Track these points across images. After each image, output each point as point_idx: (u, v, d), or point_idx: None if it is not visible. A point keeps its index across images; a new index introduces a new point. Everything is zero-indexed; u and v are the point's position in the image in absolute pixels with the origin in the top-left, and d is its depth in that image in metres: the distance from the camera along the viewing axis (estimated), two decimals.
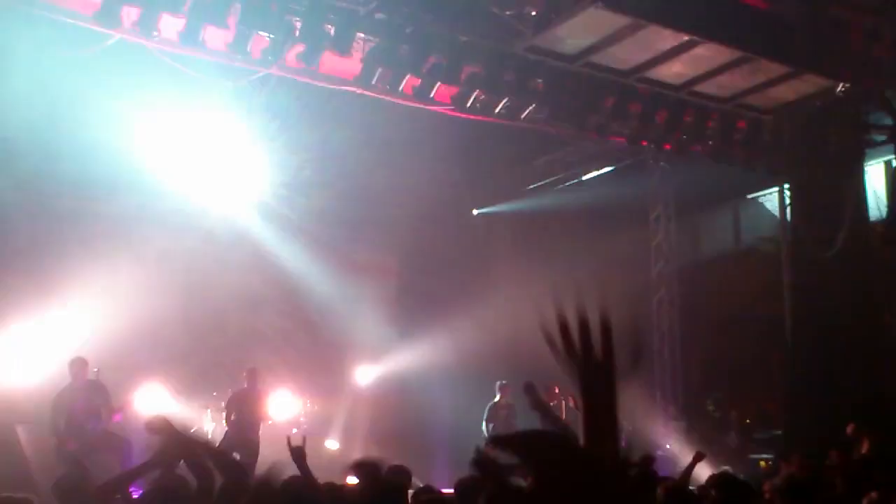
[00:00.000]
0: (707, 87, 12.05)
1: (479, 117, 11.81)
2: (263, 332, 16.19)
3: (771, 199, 15.36)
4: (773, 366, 15.15)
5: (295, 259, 16.63)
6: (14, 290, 13.97)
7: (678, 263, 16.28)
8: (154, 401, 13.03)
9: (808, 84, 11.90)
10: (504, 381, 13.38)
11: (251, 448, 11.53)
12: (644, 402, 15.58)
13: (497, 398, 13.30)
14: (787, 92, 12.15)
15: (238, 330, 15.82)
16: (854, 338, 12.85)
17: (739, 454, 13.87)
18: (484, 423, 13.11)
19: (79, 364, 10.82)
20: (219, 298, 15.83)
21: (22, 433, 12.50)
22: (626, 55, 11.20)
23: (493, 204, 18.55)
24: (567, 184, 17.21)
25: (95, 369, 10.91)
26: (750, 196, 16.13)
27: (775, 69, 11.73)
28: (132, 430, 10.69)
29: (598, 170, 16.61)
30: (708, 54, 11.20)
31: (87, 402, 10.49)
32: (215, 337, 15.46)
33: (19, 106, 11.79)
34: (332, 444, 15.15)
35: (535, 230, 18.14)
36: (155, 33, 9.68)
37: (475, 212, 18.69)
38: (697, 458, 7.38)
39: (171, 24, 9.69)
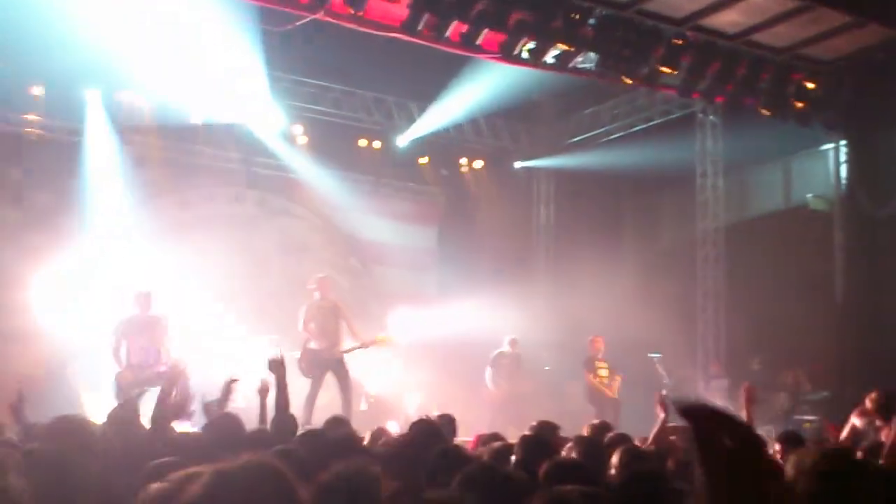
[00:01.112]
0: (763, 37, 11.72)
1: (527, 65, 11.60)
2: (306, 279, 16.28)
3: (825, 155, 14.95)
4: (822, 326, 14.87)
5: (335, 206, 16.71)
6: (63, 228, 14.27)
7: (725, 221, 15.97)
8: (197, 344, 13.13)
9: (870, 34, 11.52)
10: (514, 337, 13.40)
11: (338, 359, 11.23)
12: (686, 359, 15.50)
13: (505, 348, 13.34)
14: (848, 43, 11.80)
15: (280, 276, 15.93)
16: None
17: (787, 415, 13.70)
18: (489, 370, 13.09)
19: (143, 296, 10.74)
20: (262, 244, 15.99)
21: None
22: (679, 2, 10.92)
23: (535, 157, 18.35)
24: (612, 137, 16.94)
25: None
26: (803, 152, 15.72)
27: (836, 18, 11.40)
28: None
29: (645, 123, 16.33)
30: (765, 2, 10.88)
31: (149, 337, 10.46)
32: (259, 282, 15.60)
33: None
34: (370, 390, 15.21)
35: (578, 185, 17.95)
36: None
37: (517, 164, 18.48)
38: (750, 396, 7.00)
39: None
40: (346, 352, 11.25)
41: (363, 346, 11.43)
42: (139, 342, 10.46)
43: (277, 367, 5.83)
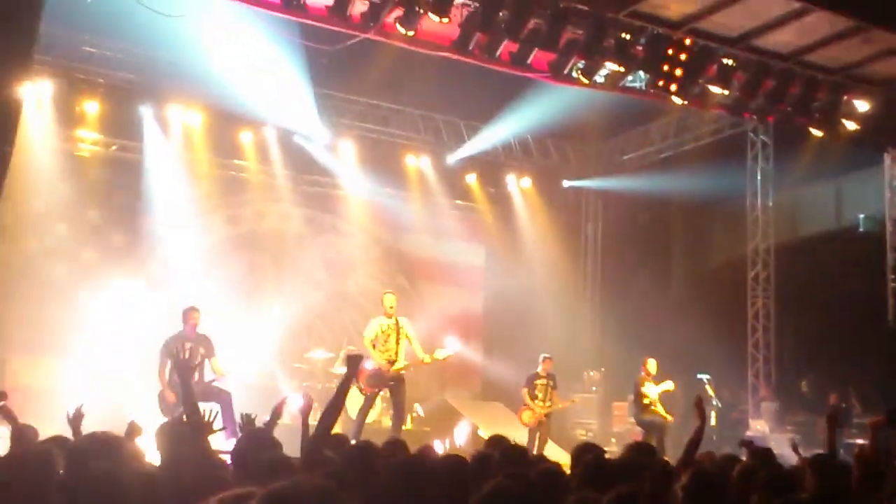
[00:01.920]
0: (816, 58, 11.63)
1: (577, 84, 11.59)
2: (352, 295, 16.41)
3: (876, 176, 14.76)
4: (872, 349, 14.66)
5: (383, 223, 16.83)
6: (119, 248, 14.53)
7: (775, 240, 15.82)
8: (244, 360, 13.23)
9: None
10: (547, 355, 13.32)
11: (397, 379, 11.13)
12: (735, 380, 15.35)
13: (539, 369, 13.24)
14: None
15: (328, 293, 16.07)
16: None
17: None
18: (524, 389, 13.04)
19: (191, 312, 10.67)
20: (310, 261, 16.13)
21: None
22: (732, 22, 10.89)
23: (583, 176, 18.33)
24: (662, 155, 16.90)
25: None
26: (854, 172, 15.54)
27: (888, 39, 11.27)
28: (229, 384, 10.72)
29: (695, 142, 16.27)
30: (819, 23, 10.80)
31: (194, 353, 10.47)
32: (305, 298, 15.73)
33: None
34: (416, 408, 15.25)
35: (627, 204, 17.90)
36: None
37: (565, 183, 18.46)
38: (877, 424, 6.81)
39: None
40: (404, 369, 11.24)
41: (422, 363, 11.41)
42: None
43: (354, 363, 5.32)
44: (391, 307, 11.32)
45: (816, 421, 14.34)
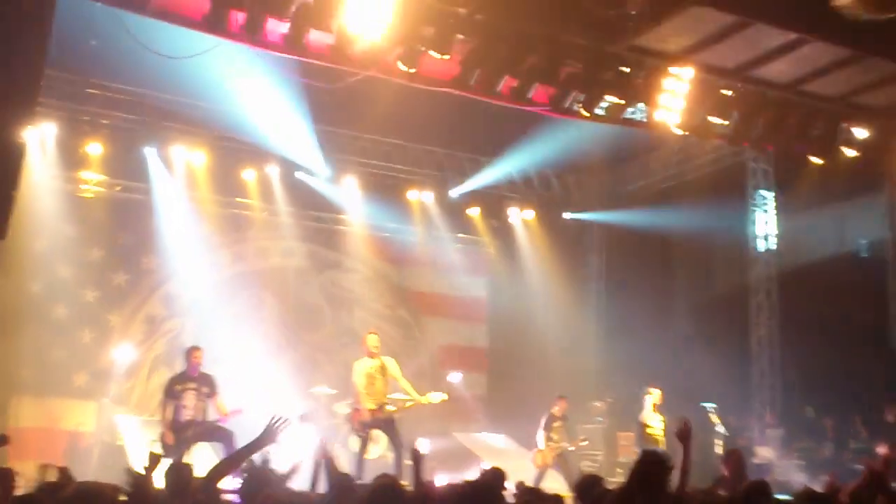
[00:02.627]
0: (814, 87, 11.72)
1: (578, 117, 11.66)
2: (356, 330, 16.39)
3: (878, 201, 14.82)
4: (875, 375, 14.65)
5: (385, 258, 16.87)
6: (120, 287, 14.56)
7: (778, 268, 15.86)
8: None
9: None
10: (562, 395, 13.28)
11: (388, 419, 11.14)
12: (739, 408, 15.31)
13: (555, 409, 13.17)
14: None
15: (332, 328, 16.06)
16: None
17: (835, 464, 13.45)
18: (541, 432, 12.98)
19: (193, 352, 10.67)
20: (313, 296, 16.14)
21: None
22: (729, 54, 10.98)
23: (585, 207, 18.38)
24: (663, 185, 16.97)
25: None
26: (856, 200, 15.60)
27: (885, 68, 11.36)
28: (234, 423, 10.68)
29: (696, 172, 16.35)
30: (815, 53, 10.90)
31: (197, 393, 10.46)
32: (309, 334, 15.74)
33: None
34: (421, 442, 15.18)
35: (629, 234, 17.93)
36: (260, 37, 9.82)
37: (566, 216, 18.50)
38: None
39: (275, 28, 9.83)
40: (395, 411, 11.25)
41: (414, 404, 11.41)
42: (185, 400, 10.43)
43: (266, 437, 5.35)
44: (375, 347, 11.33)
45: (823, 447, 14.36)
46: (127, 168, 14.62)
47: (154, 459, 5.19)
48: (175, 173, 14.81)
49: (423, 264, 17.15)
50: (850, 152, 12.68)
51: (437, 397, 11.41)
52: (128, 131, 14.43)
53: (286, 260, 16.25)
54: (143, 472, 5.50)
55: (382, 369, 11.24)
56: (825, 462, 13.61)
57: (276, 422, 5.61)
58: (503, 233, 17.75)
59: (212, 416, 10.42)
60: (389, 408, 11.13)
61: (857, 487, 6.16)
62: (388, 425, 11.17)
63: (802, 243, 16.42)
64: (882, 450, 13.62)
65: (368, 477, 8.66)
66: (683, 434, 6.06)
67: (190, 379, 10.51)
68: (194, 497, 5.10)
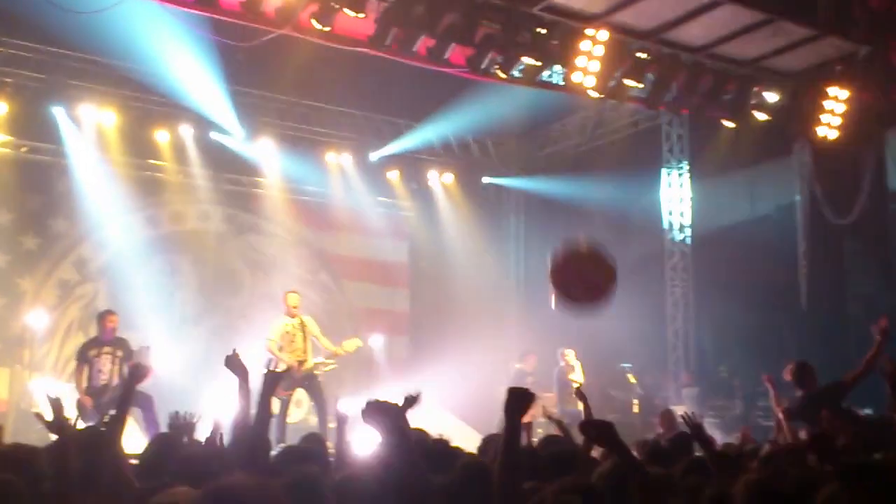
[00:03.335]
0: (727, 50, 11.90)
1: (495, 79, 11.65)
2: (276, 295, 16.22)
3: (788, 165, 15.16)
4: (786, 334, 15.09)
5: (304, 222, 16.71)
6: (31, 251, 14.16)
7: (692, 231, 16.17)
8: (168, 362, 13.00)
9: (830, 48, 11.73)
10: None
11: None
12: (656, 369, 15.63)
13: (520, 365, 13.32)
14: (809, 55, 12.00)
15: (251, 293, 15.88)
16: (869, 307, 12.78)
17: (745, 420, 13.86)
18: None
19: (107, 316, 10.57)
20: (231, 261, 15.92)
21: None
22: (645, 16, 11.07)
23: (505, 172, 18.42)
24: (581, 150, 17.10)
25: (147, 346, 10.44)
26: (766, 163, 15.94)
27: (796, 32, 11.59)
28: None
29: (613, 136, 16.51)
30: (729, 16, 11.06)
31: (112, 357, 10.32)
32: (228, 300, 15.55)
33: None
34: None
35: (548, 197, 18.05)
36: None
37: (484, 180, 18.52)
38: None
39: None
40: (314, 368, 11.22)
41: (332, 356, 11.44)
42: (100, 365, 10.31)
43: (236, 366, 5.05)
44: (294, 306, 11.39)
45: (734, 405, 14.77)
46: (34, 128, 14.12)
47: (57, 404, 4.96)
48: (84, 134, 14.36)
49: (343, 228, 17.01)
50: (761, 116, 12.92)
51: (351, 344, 11.47)
52: (34, 90, 13.92)
53: (203, 224, 15.95)
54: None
55: (302, 327, 11.25)
56: (737, 419, 14.01)
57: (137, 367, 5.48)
58: (423, 196, 17.69)
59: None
60: (309, 366, 11.10)
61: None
62: (309, 382, 11.16)
63: (715, 207, 16.75)
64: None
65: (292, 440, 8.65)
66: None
67: (104, 343, 10.41)
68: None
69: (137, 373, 5.23)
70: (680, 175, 16.17)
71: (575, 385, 13.08)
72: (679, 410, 14.73)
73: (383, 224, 17.30)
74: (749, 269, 15.67)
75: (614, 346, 14.36)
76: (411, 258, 17.93)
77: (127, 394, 5.22)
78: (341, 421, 5.90)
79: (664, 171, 16.19)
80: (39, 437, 6.94)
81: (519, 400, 3.66)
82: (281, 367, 9.97)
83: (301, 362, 11.06)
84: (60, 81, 14.03)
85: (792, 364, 8.16)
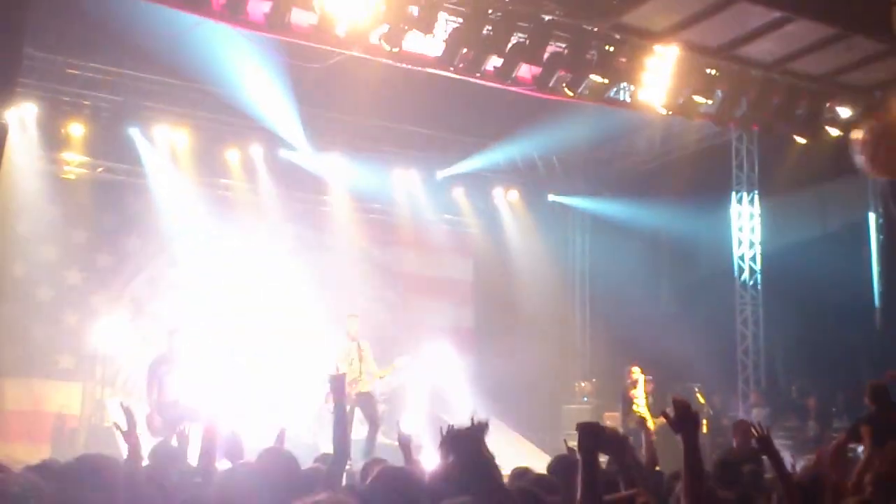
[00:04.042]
0: (798, 65, 11.73)
1: (563, 97, 11.64)
2: (342, 313, 16.35)
3: (861, 182, 14.87)
4: (860, 354, 14.75)
5: (371, 239, 16.83)
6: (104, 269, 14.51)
7: (761, 247, 15.93)
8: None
9: None
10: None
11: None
12: (725, 388, 15.39)
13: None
14: (883, 70, 11.77)
15: (319, 311, 16.00)
16: None
17: (818, 443, 13.56)
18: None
19: (178, 334, 10.74)
20: (300, 279, 16.09)
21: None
22: (714, 32, 10.97)
23: (570, 188, 18.35)
24: (648, 166, 16.98)
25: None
26: (840, 179, 15.65)
27: (869, 47, 11.38)
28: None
29: (681, 151, 16.36)
30: (800, 31, 10.90)
31: (182, 375, 10.50)
32: (297, 317, 15.69)
33: None
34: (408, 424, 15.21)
35: (615, 214, 17.93)
36: (242, 16, 9.75)
37: (550, 197, 18.47)
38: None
39: (257, 7, 9.76)
40: (369, 388, 11.59)
41: (380, 377, 11.88)
42: (172, 379, 10.47)
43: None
44: (354, 330, 11.76)
45: (806, 426, 14.46)
46: (109, 149, 14.52)
47: (129, 413, 5.11)
48: (158, 154, 14.71)
49: (409, 245, 17.12)
50: (833, 132, 12.70)
51: (389, 369, 11.79)
52: (109, 112, 14.32)
53: (271, 241, 16.16)
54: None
55: (359, 351, 11.62)
56: (809, 441, 13.71)
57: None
58: (488, 213, 17.73)
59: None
60: (363, 388, 11.49)
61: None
62: (365, 401, 11.47)
63: (785, 223, 16.49)
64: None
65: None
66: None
67: (174, 360, 10.55)
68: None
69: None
70: (749, 192, 15.95)
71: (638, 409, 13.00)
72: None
73: (449, 241, 17.38)
74: (820, 287, 15.38)
75: (683, 365, 14.18)
76: (476, 275, 17.95)
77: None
78: (404, 441, 5.92)
79: (734, 187, 15.99)
80: (111, 454, 7.09)
81: (589, 436, 3.56)
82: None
83: (355, 382, 11.32)
84: (135, 103, 14.39)
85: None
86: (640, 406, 13.09)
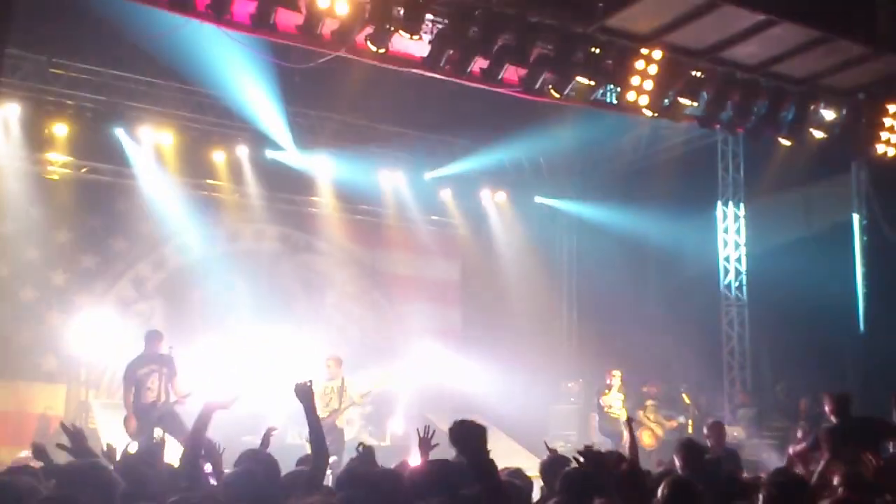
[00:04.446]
0: (783, 68, 11.77)
1: (548, 99, 11.64)
2: (329, 314, 16.35)
3: (844, 183, 14.94)
4: (846, 354, 14.81)
5: (358, 241, 16.81)
6: (89, 270, 14.43)
7: (747, 249, 15.99)
8: (223, 385, 13.11)
9: (888, 65, 11.56)
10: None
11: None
12: (712, 389, 15.43)
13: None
14: (866, 73, 11.83)
15: (305, 311, 15.98)
16: None
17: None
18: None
19: (153, 336, 10.84)
20: (286, 280, 16.05)
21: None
22: (699, 35, 10.99)
23: (557, 191, 18.36)
24: (634, 168, 17.02)
25: (170, 346, 10.94)
26: (822, 180, 15.73)
27: (854, 50, 11.43)
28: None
29: (666, 153, 16.41)
30: (784, 34, 10.93)
31: (158, 376, 10.50)
32: (282, 319, 15.65)
33: None
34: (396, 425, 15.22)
35: (601, 215, 17.97)
36: (227, 16, 9.71)
37: (537, 199, 18.49)
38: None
39: (243, 7, 9.72)
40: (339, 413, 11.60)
41: (353, 404, 11.84)
42: (149, 383, 10.47)
43: (305, 394, 5.11)
44: (334, 372, 11.75)
45: (792, 426, 14.49)
46: (93, 149, 14.47)
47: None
48: (143, 154, 14.65)
49: (396, 246, 17.12)
50: (818, 134, 12.75)
51: (378, 382, 11.98)
52: (93, 112, 14.26)
53: (258, 243, 16.16)
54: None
55: (340, 390, 11.62)
56: (797, 441, 13.72)
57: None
58: (475, 215, 17.73)
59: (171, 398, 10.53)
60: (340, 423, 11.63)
61: None
62: (336, 434, 11.37)
63: (770, 225, 16.55)
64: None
65: None
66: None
67: (152, 361, 10.60)
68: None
69: (218, 402, 5.32)
70: (735, 194, 16.00)
71: (612, 412, 13.07)
72: (733, 431, 14.63)
73: (436, 242, 17.38)
74: (805, 288, 15.44)
75: (669, 366, 14.22)
76: (463, 276, 17.96)
77: (202, 423, 5.28)
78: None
79: (719, 189, 16.04)
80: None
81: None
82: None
83: (332, 417, 11.38)
84: (119, 103, 14.34)
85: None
86: (617, 409, 13.19)
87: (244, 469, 4.98)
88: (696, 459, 6.13)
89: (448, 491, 4.15)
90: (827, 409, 8.04)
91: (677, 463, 6.28)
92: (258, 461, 5.25)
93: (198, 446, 5.25)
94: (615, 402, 13.20)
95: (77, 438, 5.42)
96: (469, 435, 3.54)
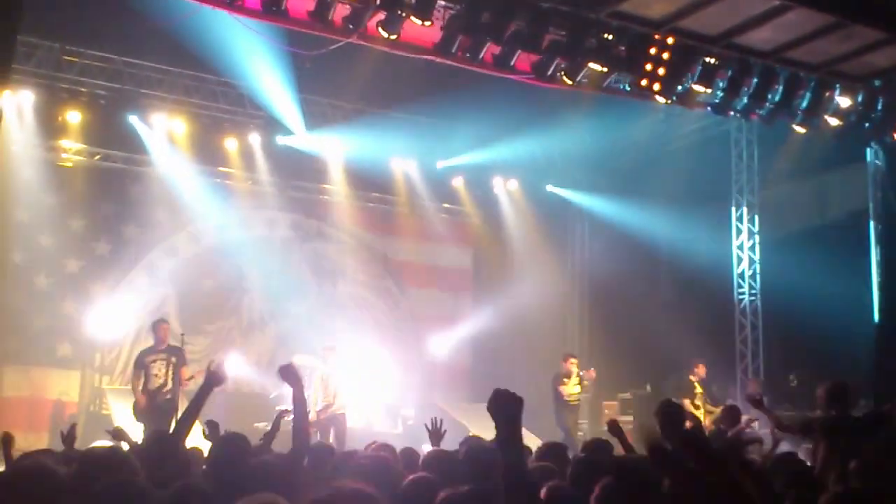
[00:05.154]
0: (797, 54, 11.68)
1: (561, 85, 11.58)
2: (341, 301, 16.38)
3: (860, 171, 14.82)
4: (860, 343, 14.71)
5: (370, 228, 16.82)
6: (103, 257, 14.50)
7: (760, 237, 15.90)
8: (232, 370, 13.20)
9: None
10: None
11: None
12: (724, 377, 15.38)
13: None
14: (883, 58, 11.73)
15: (317, 299, 16.01)
16: None
17: None
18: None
19: (161, 326, 11.00)
20: (297, 267, 16.07)
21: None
22: (713, 21, 10.92)
23: (569, 179, 18.30)
24: (647, 155, 16.92)
25: (182, 333, 11.07)
26: (837, 168, 15.61)
27: (869, 35, 11.33)
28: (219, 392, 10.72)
29: (680, 141, 16.31)
30: (799, 19, 10.84)
31: (167, 362, 10.63)
32: (295, 306, 15.69)
33: None
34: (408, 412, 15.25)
35: (613, 202, 17.91)
36: (239, 2, 9.71)
37: (548, 188, 18.44)
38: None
39: None
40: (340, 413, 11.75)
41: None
42: (156, 369, 10.62)
43: (291, 375, 4.90)
44: (332, 362, 12.03)
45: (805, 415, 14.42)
46: (106, 136, 14.51)
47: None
48: (156, 142, 14.69)
49: (408, 234, 17.12)
50: (833, 121, 12.65)
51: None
52: (107, 99, 14.30)
53: (270, 230, 16.17)
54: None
55: (334, 377, 11.88)
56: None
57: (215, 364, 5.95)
58: (487, 203, 17.71)
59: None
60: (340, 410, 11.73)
61: None
62: (339, 422, 11.67)
63: (784, 213, 16.45)
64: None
65: None
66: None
67: (160, 351, 10.72)
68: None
69: (214, 378, 5.32)
70: (749, 181, 15.91)
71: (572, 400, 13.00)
72: (742, 419, 14.58)
73: (447, 230, 17.38)
74: (819, 277, 15.35)
75: (681, 355, 14.16)
76: (475, 264, 17.95)
77: (202, 397, 5.31)
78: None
79: (733, 177, 15.95)
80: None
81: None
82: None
83: (328, 407, 11.61)
84: (133, 91, 14.37)
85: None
86: (576, 398, 13.17)
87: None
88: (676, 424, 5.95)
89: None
90: (823, 400, 7.94)
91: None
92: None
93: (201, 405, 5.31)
94: (574, 391, 13.18)
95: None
96: (506, 405, 3.48)
